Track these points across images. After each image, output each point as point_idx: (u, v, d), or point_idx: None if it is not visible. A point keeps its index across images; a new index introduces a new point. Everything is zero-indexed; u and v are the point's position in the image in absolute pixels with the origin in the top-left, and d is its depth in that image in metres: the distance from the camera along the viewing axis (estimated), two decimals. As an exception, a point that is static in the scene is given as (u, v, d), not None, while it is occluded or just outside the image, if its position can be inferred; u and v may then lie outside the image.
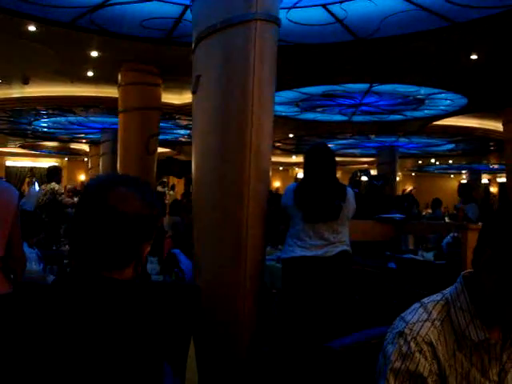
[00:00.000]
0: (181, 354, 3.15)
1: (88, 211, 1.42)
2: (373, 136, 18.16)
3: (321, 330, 4.12)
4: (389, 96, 12.70)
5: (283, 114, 14.71)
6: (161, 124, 11.55)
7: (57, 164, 9.26)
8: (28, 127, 18.61)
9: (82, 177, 26.34)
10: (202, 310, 3.98)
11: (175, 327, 3.25)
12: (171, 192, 15.46)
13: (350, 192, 4.54)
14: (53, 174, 9.17)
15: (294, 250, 4.41)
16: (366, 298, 5.03)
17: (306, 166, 4.56)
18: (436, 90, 11.88)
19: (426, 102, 13.09)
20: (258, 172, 4.28)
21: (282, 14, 7.25)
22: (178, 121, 15.67)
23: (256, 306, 4.31)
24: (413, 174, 32.35)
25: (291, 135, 18.54)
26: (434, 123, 15.47)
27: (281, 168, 29.00)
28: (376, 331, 2.00)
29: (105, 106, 13.61)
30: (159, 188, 11.82)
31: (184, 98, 12.98)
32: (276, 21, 4.41)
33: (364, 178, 9.73)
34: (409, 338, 1.56)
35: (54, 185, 8.99)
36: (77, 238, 1.43)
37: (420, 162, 27.09)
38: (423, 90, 11.98)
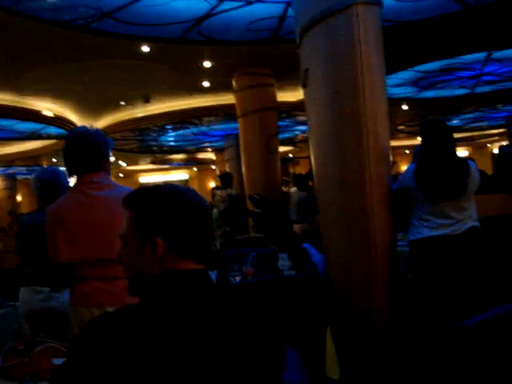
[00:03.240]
0: (317, 343, 3.19)
1: None
2: (500, 105, 17.28)
3: (459, 310, 3.99)
4: (510, 62, 12.03)
5: (402, 95, 14.36)
6: (280, 123, 11.66)
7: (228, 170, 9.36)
8: (155, 143, 19.44)
9: (212, 184, 27.13)
10: (336, 301, 3.99)
11: (308, 318, 3.28)
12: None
13: (472, 165, 4.35)
14: (229, 179, 9.17)
15: (421, 230, 4.29)
16: (507, 275, 4.79)
17: (423, 144, 4.41)
18: None
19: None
20: (377, 157, 4.21)
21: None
22: (296, 118, 15.74)
23: (391, 291, 4.24)
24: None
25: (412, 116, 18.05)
26: None
27: (407, 151, 28.28)
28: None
29: (224, 113, 13.93)
30: (283, 188, 11.90)
31: (299, 94, 12.99)
32: (377, 1, 4.33)
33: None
34: None
35: (230, 191, 9.07)
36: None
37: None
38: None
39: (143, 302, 1.45)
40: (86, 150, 2.88)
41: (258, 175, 10.47)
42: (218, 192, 8.82)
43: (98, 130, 3.02)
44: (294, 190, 10.60)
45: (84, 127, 3.05)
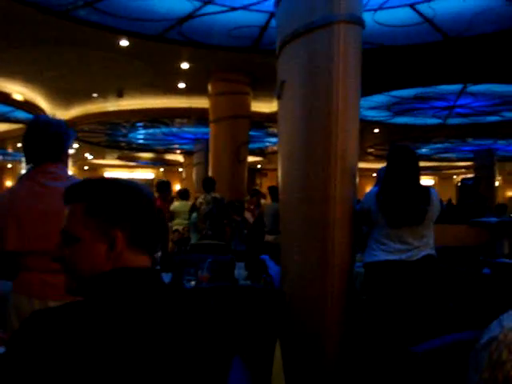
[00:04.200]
0: (265, 355, 3.16)
1: None
2: (470, 139, 17.58)
3: (408, 335, 4.01)
4: (484, 97, 12.26)
5: (375, 118, 14.51)
6: (251, 133, 11.69)
7: (210, 176, 9.14)
8: (124, 139, 19.29)
9: (177, 187, 27.02)
10: (289, 316, 3.97)
11: (259, 329, 3.25)
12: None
13: (434, 194, 4.38)
14: (211, 183, 8.95)
15: (377, 253, 4.31)
16: (460, 304, 4.84)
17: (388, 168, 4.43)
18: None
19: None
20: (344, 176, 4.21)
21: (369, 16, 7.19)
22: (267, 129, 15.79)
23: (344, 313, 4.23)
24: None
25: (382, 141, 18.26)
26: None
27: (374, 175, 28.60)
28: (464, 335, 1.92)
29: (196, 116, 13.90)
30: (261, 200, 11.96)
31: (273, 106, 13.06)
32: (360, 22, 4.34)
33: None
34: (502, 346, 1.48)
35: (214, 194, 8.80)
36: None
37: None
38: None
39: (89, 299, 1.39)
40: (46, 140, 2.82)
41: (224, 182, 10.42)
42: (202, 195, 8.72)
43: (60, 121, 2.95)
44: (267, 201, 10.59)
45: (47, 116, 2.98)
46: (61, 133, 2.87)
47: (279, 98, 4.60)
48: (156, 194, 8.99)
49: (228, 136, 10.67)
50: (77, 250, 1.42)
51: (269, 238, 9.40)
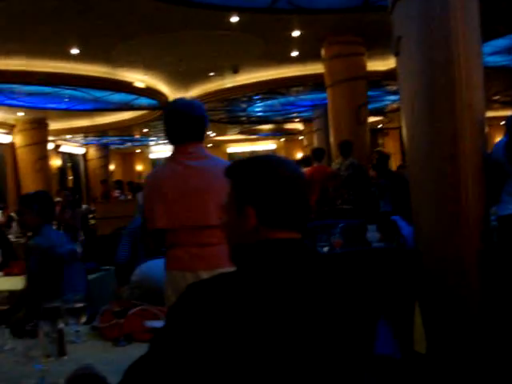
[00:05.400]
0: (405, 316, 3.15)
1: None
2: None
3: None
4: None
5: (498, 64, 13.77)
6: (369, 93, 11.47)
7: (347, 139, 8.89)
8: (243, 114, 19.56)
9: (299, 155, 27.07)
10: (425, 275, 3.92)
11: (397, 291, 3.24)
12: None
13: None
14: (349, 147, 8.91)
15: (511, 206, 4.13)
16: None
17: None
18: None
19: None
20: (473, 128, 4.07)
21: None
22: (385, 87, 15.42)
23: (483, 268, 4.11)
24: None
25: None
26: None
27: (502, 123, 27.18)
28: None
29: (312, 82, 13.81)
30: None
31: (390, 63, 12.71)
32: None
33: None
34: None
35: (352, 159, 8.60)
36: None
37: None
38: None
39: (239, 269, 1.47)
40: (190, 121, 2.95)
41: (346, 145, 10.34)
42: (338, 160, 8.65)
43: (201, 104, 3.11)
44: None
45: (187, 99, 3.16)
46: (203, 115, 3.01)
47: (397, 54, 4.50)
48: (315, 163, 8.98)
49: (346, 99, 10.54)
50: (229, 222, 1.55)
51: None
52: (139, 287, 3.80)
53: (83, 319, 2.49)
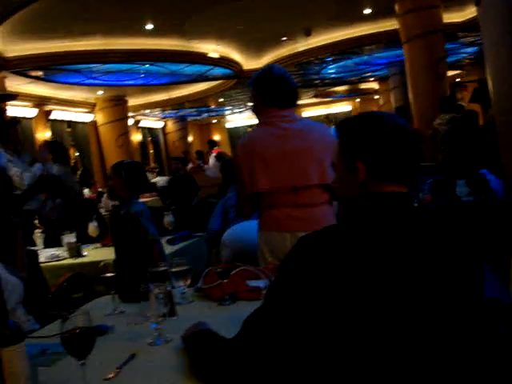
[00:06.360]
0: (501, 270, 3.12)
1: None
2: None
3: None
4: None
5: None
6: (446, 46, 11.14)
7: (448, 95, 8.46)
8: (317, 77, 19.38)
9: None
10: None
11: (491, 244, 3.21)
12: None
13: None
14: (449, 102, 8.64)
15: None
16: None
17: None
18: None
19: None
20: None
21: None
22: (462, 39, 14.91)
23: None
24: None
25: None
26: None
27: None
28: None
29: (386, 40, 13.53)
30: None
31: (466, 13, 12.31)
32: None
33: None
34: None
35: (453, 114, 8.30)
36: None
37: None
38: None
39: (349, 222, 1.53)
40: (288, 86, 3.06)
41: (425, 103, 10.11)
42: (441, 115, 8.46)
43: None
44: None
45: (283, 68, 3.22)
46: (295, 82, 3.14)
47: (478, 4, 4.38)
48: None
49: (423, 54, 10.28)
50: (337, 177, 1.62)
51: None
52: (230, 247, 3.93)
53: (188, 281, 2.62)
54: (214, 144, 15.85)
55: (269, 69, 3.15)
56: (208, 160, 15.88)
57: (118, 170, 3.95)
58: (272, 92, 3.04)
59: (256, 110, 3.16)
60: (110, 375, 1.76)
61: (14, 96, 4.58)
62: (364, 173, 1.51)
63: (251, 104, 3.22)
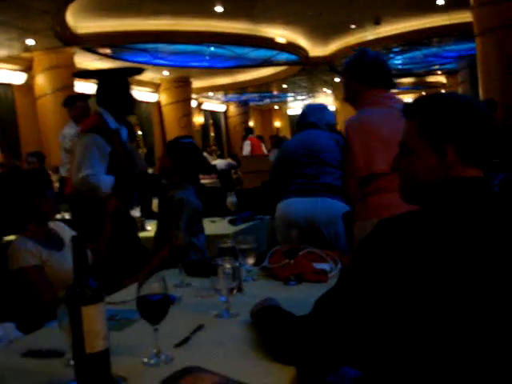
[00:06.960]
0: None
1: None
2: None
3: None
4: None
5: None
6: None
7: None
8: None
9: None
10: None
11: None
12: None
13: None
14: None
15: None
16: None
17: None
18: None
19: None
20: None
21: None
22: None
23: None
24: None
25: None
26: None
27: None
28: None
29: (458, 32, 13.23)
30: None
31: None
32: None
33: None
34: None
35: None
36: None
37: None
38: None
39: (425, 207, 1.49)
40: (385, 67, 3.13)
41: (497, 99, 9.82)
42: None
43: None
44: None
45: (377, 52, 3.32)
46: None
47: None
48: None
49: (497, 48, 9.95)
50: (412, 160, 1.55)
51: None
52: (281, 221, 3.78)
53: (253, 260, 2.63)
54: (249, 131, 15.63)
55: (363, 51, 3.15)
56: (267, 147, 15.71)
57: (169, 148, 3.77)
58: (374, 72, 3.04)
59: (353, 95, 3.13)
60: (180, 343, 1.79)
61: (140, 70, 4.60)
62: (454, 155, 1.46)
63: (343, 90, 3.20)
